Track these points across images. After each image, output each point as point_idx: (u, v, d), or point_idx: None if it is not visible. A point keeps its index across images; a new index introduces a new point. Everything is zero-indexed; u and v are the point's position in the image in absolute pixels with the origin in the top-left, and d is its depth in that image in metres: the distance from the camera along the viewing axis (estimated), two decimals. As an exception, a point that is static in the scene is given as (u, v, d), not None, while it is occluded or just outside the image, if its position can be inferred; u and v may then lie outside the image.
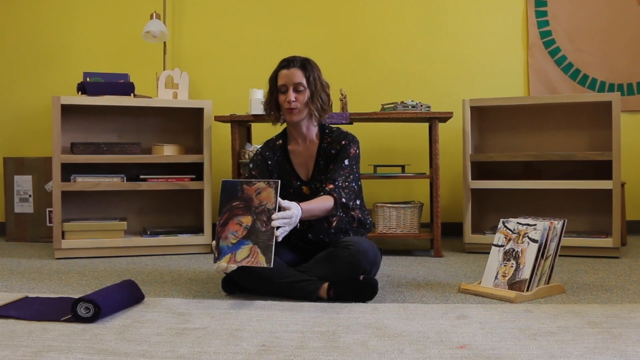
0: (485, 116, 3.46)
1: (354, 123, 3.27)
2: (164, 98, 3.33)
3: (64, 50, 4.02)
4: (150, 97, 3.34)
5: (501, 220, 2.28)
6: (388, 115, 3.18)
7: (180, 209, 3.56)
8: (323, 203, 2.13)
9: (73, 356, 1.48)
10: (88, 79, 3.32)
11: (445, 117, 3.19)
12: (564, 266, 2.78)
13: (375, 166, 3.33)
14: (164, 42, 3.82)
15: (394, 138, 3.93)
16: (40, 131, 3.99)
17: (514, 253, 2.17)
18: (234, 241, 2.01)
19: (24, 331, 1.70)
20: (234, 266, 2.00)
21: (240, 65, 3.98)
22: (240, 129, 3.35)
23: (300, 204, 2.05)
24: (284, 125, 2.41)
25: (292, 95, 2.22)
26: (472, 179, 3.23)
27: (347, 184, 2.20)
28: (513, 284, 2.12)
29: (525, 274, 2.11)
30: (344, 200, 2.17)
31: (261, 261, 1.95)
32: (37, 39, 4.02)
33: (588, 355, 1.46)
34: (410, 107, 3.19)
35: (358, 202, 2.35)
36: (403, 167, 3.32)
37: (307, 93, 2.24)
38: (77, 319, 1.79)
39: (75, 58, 4.00)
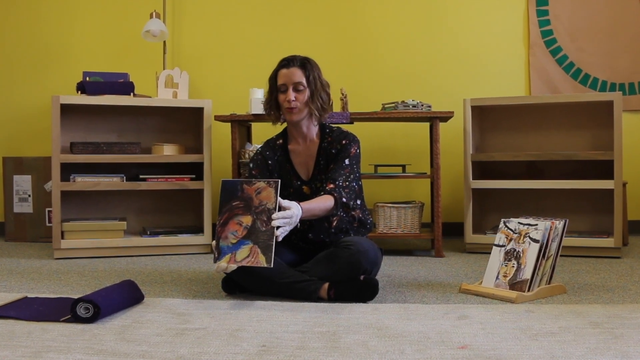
0: (487, 116, 3.45)
1: (355, 122, 3.27)
2: (163, 97, 3.32)
3: (64, 49, 4.01)
4: (150, 97, 3.34)
5: (502, 220, 2.27)
6: (389, 114, 3.17)
7: (180, 208, 3.55)
8: (323, 202, 2.12)
9: (72, 357, 1.47)
10: (87, 79, 3.32)
11: (446, 117, 3.18)
12: (565, 266, 2.77)
13: (376, 166, 3.32)
14: (164, 42, 3.81)
15: (395, 138, 3.92)
16: (39, 131, 3.98)
17: (515, 253, 2.16)
18: (234, 241, 2.00)
19: (23, 331, 1.70)
20: (234, 266, 1.99)
21: (240, 65, 3.98)
22: (240, 129, 3.34)
23: (301, 203, 2.05)
24: (284, 124, 2.40)
25: (292, 95, 2.21)
26: (473, 179, 3.22)
27: (347, 183, 2.20)
28: (514, 284, 2.12)
29: (527, 274, 2.10)
30: (344, 199, 2.17)
31: (261, 261, 1.94)
32: (37, 38, 4.02)
33: (589, 356, 1.46)
34: (411, 106, 3.18)
35: (359, 201, 2.34)
36: (404, 166, 3.32)
37: (307, 92, 2.23)
38: (76, 319, 1.79)
39: (74, 57, 4.00)
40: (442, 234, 3.23)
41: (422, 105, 3.20)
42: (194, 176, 3.33)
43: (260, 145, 2.43)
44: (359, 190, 2.33)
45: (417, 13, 3.94)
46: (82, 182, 3.20)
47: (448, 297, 2.16)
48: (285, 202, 2.00)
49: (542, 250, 2.11)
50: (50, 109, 3.61)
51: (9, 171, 3.74)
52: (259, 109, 3.14)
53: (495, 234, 2.30)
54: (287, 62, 2.25)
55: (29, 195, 3.73)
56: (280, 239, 1.96)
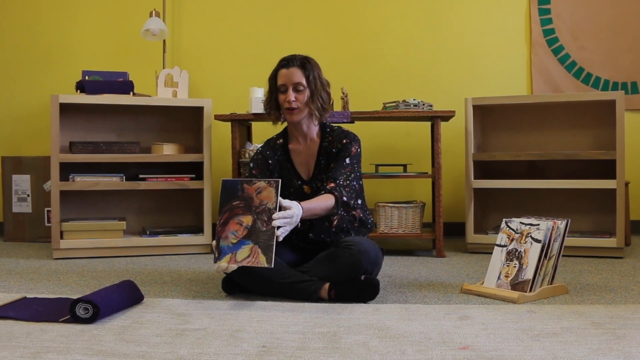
0: (488, 115, 3.44)
1: (355, 122, 3.26)
2: (163, 97, 3.31)
3: (63, 48, 4.00)
4: (150, 96, 3.33)
5: (504, 220, 2.27)
6: (390, 114, 3.16)
7: (179, 208, 3.54)
8: (324, 202, 2.11)
9: (72, 357, 1.47)
10: (87, 78, 3.31)
11: (447, 116, 3.17)
12: (567, 266, 2.76)
13: (377, 165, 3.31)
14: (164, 40, 3.81)
15: (396, 137, 3.92)
16: (38, 130, 3.98)
17: (516, 253, 2.16)
18: (235, 241, 1.99)
19: (22, 332, 1.69)
20: (234, 266, 1.98)
21: (240, 64, 3.97)
22: (240, 128, 3.33)
23: (301, 203, 2.04)
24: (285, 124, 2.39)
25: (291, 95, 2.21)
26: (474, 179, 3.21)
27: (348, 182, 2.19)
28: (516, 285, 2.11)
29: (528, 274, 2.09)
30: (345, 198, 2.16)
31: (262, 261, 1.93)
32: (36, 37, 4.01)
33: (592, 357, 1.45)
34: (412, 105, 3.17)
35: (359, 201, 2.33)
36: (405, 166, 3.31)
37: (307, 92, 2.22)
38: (75, 319, 1.78)
39: (74, 56, 3.99)
40: (444, 234, 3.22)
41: (424, 105, 3.19)
42: (193, 176, 3.32)
43: (260, 145, 2.43)
44: (359, 189, 2.33)
45: (418, 12, 3.93)
46: (82, 181, 3.19)
47: (449, 298, 2.15)
48: (285, 202, 1.99)
49: (544, 250, 2.10)
50: (49, 108, 3.61)
51: (8, 171, 3.73)
52: (259, 108, 3.13)
53: (497, 233, 2.30)
54: (286, 62, 2.24)
55: (28, 195, 3.72)
56: (280, 239, 1.96)
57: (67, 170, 3.21)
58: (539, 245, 2.10)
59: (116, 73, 3.40)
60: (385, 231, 3.17)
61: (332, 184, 2.17)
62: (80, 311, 1.78)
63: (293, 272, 2.13)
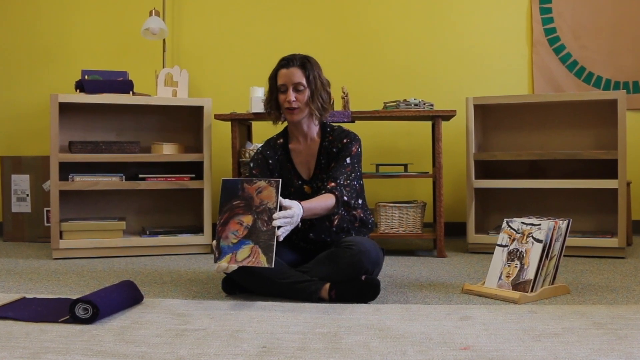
0: (489, 114, 3.44)
1: (356, 121, 3.26)
2: (163, 96, 3.31)
3: (62, 47, 4.00)
4: (150, 95, 3.33)
5: (505, 220, 2.26)
6: (390, 113, 3.16)
7: (179, 208, 3.54)
8: (324, 201, 2.11)
9: (71, 358, 1.47)
10: (86, 77, 3.30)
11: (448, 116, 3.17)
12: (568, 266, 2.75)
13: (378, 165, 3.30)
14: (163, 40, 3.80)
15: (397, 136, 3.91)
16: (38, 130, 3.97)
17: (518, 253, 2.15)
18: (235, 241, 1.99)
19: (22, 332, 1.69)
20: (234, 266, 1.98)
21: (240, 63, 3.96)
22: (240, 128, 3.33)
23: (302, 202, 2.03)
24: (285, 123, 2.39)
25: (292, 95, 2.20)
26: (475, 178, 3.21)
27: (348, 182, 2.19)
28: (517, 285, 2.10)
29: (530, 274, 2.09)
30: (345, 198, 2.15)
31: (262, 261, 1.93)
32: (35, 37, 4.00)
33: (593, 357, 1.45)
34: (412, 105, 3.17)
35: (360, 201, 2.33)
36: (405, 166, 3.30)
37: (307, 92, 2.22)
38: (75, 320, 1.78)
39: (73, 55, 3.98)
40: (445, 234, 3.22)
41: (424, 104, 3.19)
42: (193, 175, 3.31)
43: (260, 145, 2.42)
44: (360, 189, 2.32)
45: (419, 11, 3.92)
46: (81, 181, 3.18)
47: (450, 298, 2.15)
48: (286, 202, 1.98)
49: (546, 251, 2.10)
50: (48, 108, 3.60)
51: (7, 170, 3.72)
52: (259, 108, 3.12)
53: (498, 233, 2.29)
54: (286, 62, 2.23)
55: (27, 195, 3.71)
56: (281, 238, 1.95)
57: (67, 170, 3.20)
58: (540, 245, 2.10)
59: (116, 72, 3.39)
60: (386, 231, 3.17)
61: (333, 184, 2.16)
62: (79, 311, 1.78)
63: (293, 272, 2.12)
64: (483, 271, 2.63)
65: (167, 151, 3.28)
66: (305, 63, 2.23)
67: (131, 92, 3.25)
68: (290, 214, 1.95)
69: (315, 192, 2.27)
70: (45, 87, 3.96)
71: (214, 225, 2.66)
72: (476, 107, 3.24)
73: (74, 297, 2.01)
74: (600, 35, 3.80)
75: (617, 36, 3.79)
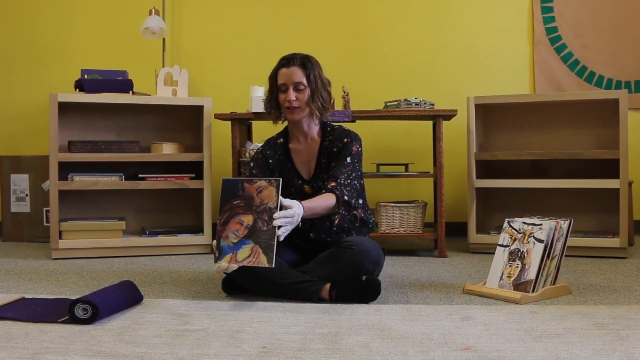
0: (490, 114, 3.43)
1: (357, 121, 3.25)
2: (163, 95, 3.30)
3: (62, 47, 3.99)
4: (149, 95, 3.32)
5: (506, 219, 2.26)
6: (391, 112, 3.15)
7: (179, 208, 3.53)
8: (325, 201, 2.10)
9: (70, 358, 1.46)
10: (86, 76, 3.30)
11: (449, 115, 3.16)
12: (570, 267, 2.75)
13: (378, 165, 3.30)
14: (163, 39, 3.79)
15: (397, 136, 3.90)
16: (37, 129, 3.96)
17: (519, 253, 2.14)
18: (235, 241, 1.98)
19: (21, 333, 1.68)
20: (234, 266, 1.98)
21: (240, 62, 3.96)
22: (240, 127, 3.32)
23: (302, 202, 2.03)
24: (285, 123, 2.38)
25: (292, 95, 2.20)
26: (476, 178, 3.20)
27: (349, 181, 2.18)
28: (518, 285, 2.10)
29: (531, 274, 2.08)
30: (346, 197, 2.15)
31: (262, 261, 1.92)
32: (35, 36, 4.00)
33: (594, 357, 1.44)
34: (413, 104, 3.16)
35: (360, 201, 2.32)
36: (406, 165, 3.29)
37: (308, 91, 2.21)
38: (74, 320, 1.77)
39: (73, 55, 3.98)
40: (446, 234, 3.21)
41: (425, 104, 3.18)
42: (193, 175, 3.31)
43: (261, 144, 2.42)
44: (360, 189, 2.31)
45: (420, 10, 3.92)
46: (80, 181, 3.18)
47: (451, 298, 2.14)
48: (286, 201, 1.98)
49: (547, 251, 2.09)
50: (48, 107, 3.59)
51: (6, 170, 3.72)
52: (259, 107, 3.12)
53: (499, 233, 2.29)
54: (287, 61, 2.23)
55: (27, 195, 3.71)
56: (281, 238, 1.95)
57: (66, 169, 3.19)
58: (542, 245, 2.09)
59: (115, 72, 3.38)
60: (387, 231, 3.16)
61: (333, 183, 2.16)
62: (79, 312, 1.77)
63: (294, 272, 2.12)
64: (484, 271, 2.62)
65: (167, 151, 3.27)
66: (305, 62, 2.22)
67: (131, 92, 3.24)
68: (290, 214, 1.95)
69: (315, 192, 2.26)
70: (44, 87, 3.96)
71: (214, 225, 2.65)
72: (477, 106, 3.23)
73: (74, 298, 2.01)
74: (602, 35, 3.79)
75: (619, 35, 3.78)
